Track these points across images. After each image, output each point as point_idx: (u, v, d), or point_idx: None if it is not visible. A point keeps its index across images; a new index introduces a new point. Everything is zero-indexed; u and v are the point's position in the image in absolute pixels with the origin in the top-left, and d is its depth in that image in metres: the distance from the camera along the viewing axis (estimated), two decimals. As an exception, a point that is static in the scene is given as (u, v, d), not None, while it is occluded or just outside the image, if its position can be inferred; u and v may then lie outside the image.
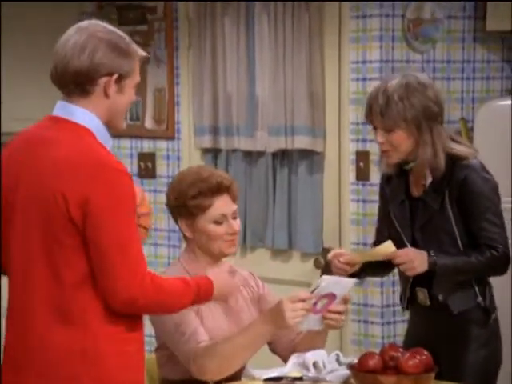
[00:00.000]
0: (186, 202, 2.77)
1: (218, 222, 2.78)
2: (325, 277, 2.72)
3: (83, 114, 2.34)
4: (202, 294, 2.43)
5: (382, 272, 3.17)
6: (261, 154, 4.28)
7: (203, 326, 2.74)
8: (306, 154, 4.18)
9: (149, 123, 4.68)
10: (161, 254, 4.67)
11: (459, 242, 2.92)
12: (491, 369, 2.99)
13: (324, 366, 2.77)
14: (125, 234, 2.28)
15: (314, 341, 2.84)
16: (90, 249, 2.27)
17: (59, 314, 2.29)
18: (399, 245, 2.96)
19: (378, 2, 3.96)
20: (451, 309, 2.92)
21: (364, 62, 4.00)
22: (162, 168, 4.66)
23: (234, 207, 2.82)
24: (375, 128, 2.94)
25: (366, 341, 4.05)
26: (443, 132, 2.96)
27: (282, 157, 4.25)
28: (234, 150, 4.37)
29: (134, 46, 2.42)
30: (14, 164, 2.37)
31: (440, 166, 2.91)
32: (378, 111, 2.90)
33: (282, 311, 2.63)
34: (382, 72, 3.94)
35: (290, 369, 2.78)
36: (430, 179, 2.95)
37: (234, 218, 2.81)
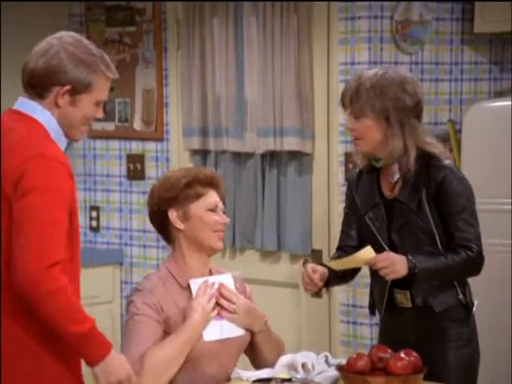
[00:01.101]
0: (180, 192, 2.79)
1: (211, 210, 2.80)
2: (192, 280, 2.77)
3: (41, 112, 2.40)
4: (92, 341, 2.31)
5: (345, 280, 3.15)
6: (250, 155, 4.28)
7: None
8: (295, 156, 4.18)
9: (137, 124, 4.67)
10: (150, 255, 4.67)
11: (438, 241, 2.93)
12: (474, 366, 3.01)
13: (313, 368, 2.77)
14: (48, 217, 2.29)
15: (263, 351, 2.85)
16: (12, 223, 2.29)
17: (11, 303, 2.32)
18: (376, 248, 2.96)
19: (367, 4, 3.97)
20: (434, 307, 2.93)
21: (353, 63, 4.01)
22: (150, 169, 4.66)
23: (222, 205, 2.85)
24: (345, 110, 2.97)
25: (355, 342, 4.05)
26: (419, 128, 2.94)
27: (271, 158, 4.25)
28: (223, 152, 4.37)
29: (103, 66, 2.42)
30: None
31: (409, 163, 2.90)
32: (349, 97, 2.90)
33: (202, 309, 2.70)
34: (371, 73, 3.95)
35: (279, 370, 2.78)
36: (397, 176, 2.95)
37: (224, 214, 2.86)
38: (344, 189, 4.02)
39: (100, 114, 2.45)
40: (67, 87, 2.38)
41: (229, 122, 4.32)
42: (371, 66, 3.97)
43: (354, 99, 2.88)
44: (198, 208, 2.80)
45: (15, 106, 2.45)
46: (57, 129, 2.42)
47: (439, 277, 2.93)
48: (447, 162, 2.95)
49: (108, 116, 4.73)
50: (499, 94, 4.29)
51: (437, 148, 2.96)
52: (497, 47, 4.31)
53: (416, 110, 2.93)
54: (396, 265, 2.85)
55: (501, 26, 4.10)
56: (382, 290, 3.02)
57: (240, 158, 4.33)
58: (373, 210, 2.99)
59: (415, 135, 2.92)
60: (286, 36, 4.12)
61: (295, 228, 4.19)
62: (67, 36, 2.43)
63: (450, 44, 4.21)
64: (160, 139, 4.61)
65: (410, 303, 2.96)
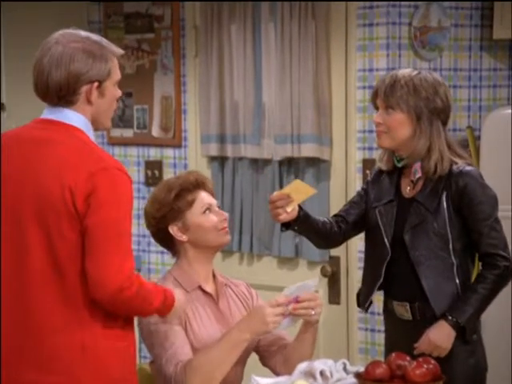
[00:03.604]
0: (172, 206, 2.82)
1: (206, 213, 2.83)
2: (288, 287, 2.76)
3: (73, 115, 2.43)
4: (167, 304, 2.50)
5: (319, 237, 3.13)
6: (267, 161, 4.28)
7: (196, 337, 2.77)
8: (313, 162, 4.18)
9: (155, 131, 4.68)
10: (168, 262, 4.67)
11: (451, 247, 2.91)
12: (480, 376, 2.99)
13: (331, 375, 2.76)
14: (122, 227, 2.37)
15: (302, 347, 2.85)
16: (86, 238, 2.34)
17: (61, 308, 2.36)
18: (378, 243, 2.96)
19: (385, 11, 3.97)
20: (437, 313, 2.90)
21: (371, 70, 4.01)
22: (168, 176, 4.66)
23: (215, 201, 2.88)
24: (377, 109, 2.98)
25: (373, 349, 4.04)
26: (444, 132, 2.96)
27: (289, 165, 4.25)
28: (241, 158, 4.37)
29: (110, 47, 2.46)
30: (5, 164, 2.43)
31: (430, 164, 2.91)
32: (383, 90, 2.94)
33: (263, 316, 2.66)
34: (389, 80, 3.94)
35: (297, 377, 2.77)
36: (418, 174, 2.95)
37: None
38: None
39: (120, 93, 2.51)
40: (95, 83, 2.42)
41: (247, 129, 4.32)
42: (389, 73, 3.97)
43: (389, 92, 2.92)
44: (194, 215, 2.83)
45: (46, 116, 2.46)
46: (91, 129, 2.46)
47: (481, 312, 2.92)
48: (470, 168, 2.95)
49: (126, 123, 4.74)
50: (518, 101, 4.27)
51: (461, 155, 2.96)
52: (516, 53, 4.30)
53: (445, 114, 2.96)
54: (441, 345, 2.85)
55: (520, 33, 4.09)
56: (369, 290, 3.01)
57: (258, 164, 4.33)
58: (385, 206, 3.00)
59: (440, 138, 2.93)
60: (303, 42, 4.12)
61: (313, 235, 4.18)
62: (65, 36, 2.44)
63: (469, 50, 4.20)
64: (178, 146, 4.62)
65: (410, 315, 2.95)
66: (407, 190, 3.00)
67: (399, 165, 3.00)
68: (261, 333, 2.73)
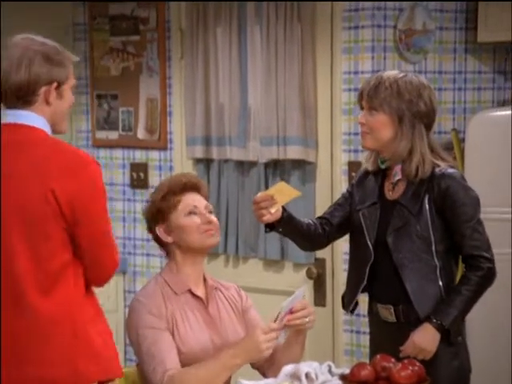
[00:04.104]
0: (157, 206, 2.85)
1: (191, 215, 2.83)
2: (281, 306, 2.79)
3: (34, 117, 2.48)
4: None
5: (303, 239, 3.14)
6: (253, 164, 4.28)
7: (183, 341, 2.76)
8: (299, 164, 4.18)
9: (141, 133, 4.68)
10: (153, 264, 4.67)
11: (433, 249, 2.92)
12: (464, 378, 2.99)
13: (316, 377, 2.76)
14: (107, 220, 2.51)
15: (291, 351, 2.86)
16: (81, 240, 2.45)
17: (47, 300, 2.43)
18: (361, 246, 2.97)
19: (370, 14, 3.98)
20: (420, 315, 2.90)
21: (356, 72, 4.02)
22: (154, 178, 4.66)
23: (206, 202, 2.88)
24: (363, 110, 2.99)
25: (359, 351, 4.04)
26: (427, 136, 2.96)
27: (275, 167, 4.26)
28: (226, 160, 4.37)
29: (66, 53, 2.54)
30: None
31: (411, 167, 2.92)
32: (367, 91, 2.95)
33: (257, 345, 2.67)
34: (374, 83, 3.95)
35: (282, 379, 2.78)
36: (398, 177, 2.96)
37: (209, 213, 2.88)
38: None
39: (73, 99, 2.58)
40: (54, 84, 2.48)
41: (232, 131, 4.32)
42: (375, 74, 3.98)
43: (373, 94, 2.94)
44: (176, 217, 2.84)
45: (9, 120, 2.49)
46: (50, 130, 2.52)
47: (465, 313, 2.93)
48: (452, 170, 2.96)
49: (111, 125, 4.73)
50: (502, 103, 4.29)
51: (444, 159, 2.97)
52: (500, 56, 4.31)
53: (428, 118, 2.96)
54: (426, 348, 2.86)
55: (504, 36, 4.10)
56: (353, 292, 3.02)
57: (243, 166, 4.33)
58: (369, 208, 3.01)
59: (423, 141, 2.94)
60: (289, 45, 4.13)
61: (298, 237, 4.18)
62: (25, 40, 2.51)
63: (454, 53, 4.22)
64: (163, 148, 4.62)
65: (394, 318, 2.96)
66: (390, 193, 3.01)
67: (383, 166, 3.01)
68: (253, 358, 2.75)
